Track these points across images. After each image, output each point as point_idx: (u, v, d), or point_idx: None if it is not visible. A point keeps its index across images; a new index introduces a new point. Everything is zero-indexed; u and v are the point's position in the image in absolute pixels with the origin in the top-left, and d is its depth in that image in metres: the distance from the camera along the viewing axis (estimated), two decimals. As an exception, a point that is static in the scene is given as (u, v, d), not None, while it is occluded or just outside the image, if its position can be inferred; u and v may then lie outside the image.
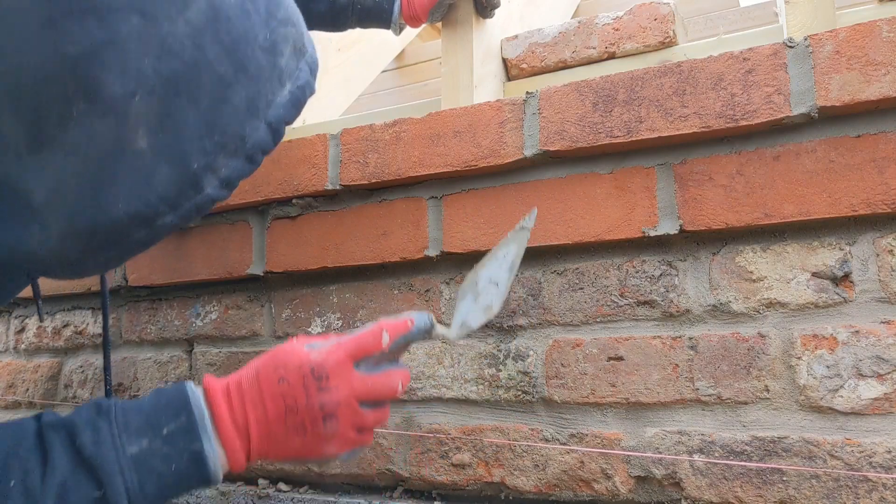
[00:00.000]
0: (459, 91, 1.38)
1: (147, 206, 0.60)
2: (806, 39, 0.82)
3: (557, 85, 0.95)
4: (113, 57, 0.55)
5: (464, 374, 0.98)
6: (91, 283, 1.34)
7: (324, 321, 1.11)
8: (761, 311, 0.83)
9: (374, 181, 1.06)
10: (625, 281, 0.90)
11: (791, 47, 0.82)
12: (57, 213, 0.58)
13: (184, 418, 0.67)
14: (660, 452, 0.85)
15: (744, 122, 0.83)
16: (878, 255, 0.79)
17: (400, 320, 0.75)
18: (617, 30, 1.39)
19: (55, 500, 0.62)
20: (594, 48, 1.40)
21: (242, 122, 0.64)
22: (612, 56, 1.39)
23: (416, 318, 0.75)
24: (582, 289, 0.93)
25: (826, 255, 0.81)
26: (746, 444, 0.81)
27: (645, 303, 0.89)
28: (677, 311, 0.87)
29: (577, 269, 0.94)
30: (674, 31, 1.34)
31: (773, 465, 0.79)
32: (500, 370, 0.96)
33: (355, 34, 1.81)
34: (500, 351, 0.97)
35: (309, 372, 0.70)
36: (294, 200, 1.14)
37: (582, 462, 0.88)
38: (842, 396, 0.78)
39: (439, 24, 1.47)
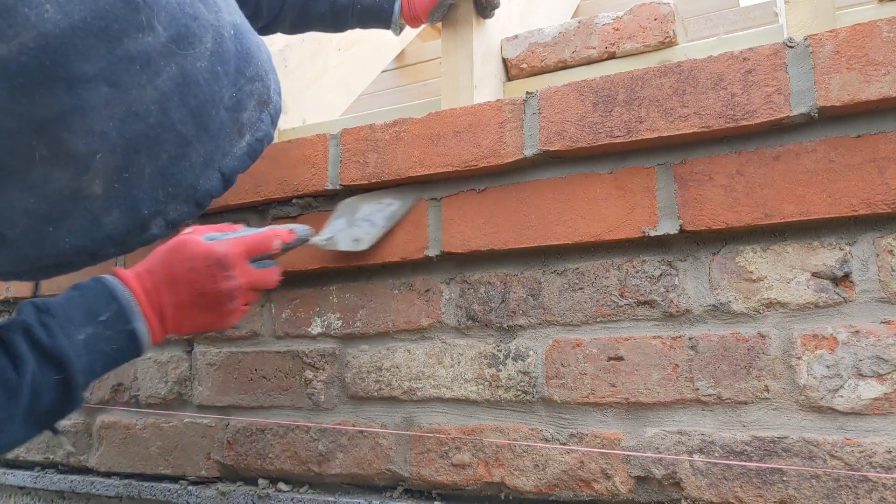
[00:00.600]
0: (459, 91, 1.38)
1: (93, 243, 0.66)
2: (806, 39, 0.82)
3: (557, 85, 0.95)
4: (79, 121, 0.59)
5: (464, 373, 0.98)
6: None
7: (324, 321, 1.11)
8: (761, 311, 0.83)
9: (374, 181, 1.06)
10: (625, 281, 0.90)
11: (791, 47, 0.82)
12: (6, 240, 0.64)
13: (115, 305, 0.78)
14: (660, 452, 0.85)
15: (744, 122, 0.83)
16: (878, 255, 0.79)
17: (286, 229, 0.91)
18: (617, 30, 1.39)
19: (30, 386, 0.70)
20: (594, 48, 1.40)
21: (197, 176, 0.70)
22: (612, 56, 1.39)
23: (297, 229, 0.93)
24: (582, 289, 0.93)
25: (826, 255, 0.81)
26: (746, 444, 0.81)
27: (645, 303, 0.89)
28: (677, 311, 0.87)
29: (577, 269, 0.94)
30: (674, 31, 1.34)
31: (773, 465, 0.79)
32: (500, 370, 0.96)
33: (355, 34, 1.81)
34: (500, 351, 0.97)
35: (215, 262, 0.83)
36: (294, 200, 1.14)
37: (582, 462, 0.88)
38: (842, 396, 0.78)
39: (439, 25, 1.47)
